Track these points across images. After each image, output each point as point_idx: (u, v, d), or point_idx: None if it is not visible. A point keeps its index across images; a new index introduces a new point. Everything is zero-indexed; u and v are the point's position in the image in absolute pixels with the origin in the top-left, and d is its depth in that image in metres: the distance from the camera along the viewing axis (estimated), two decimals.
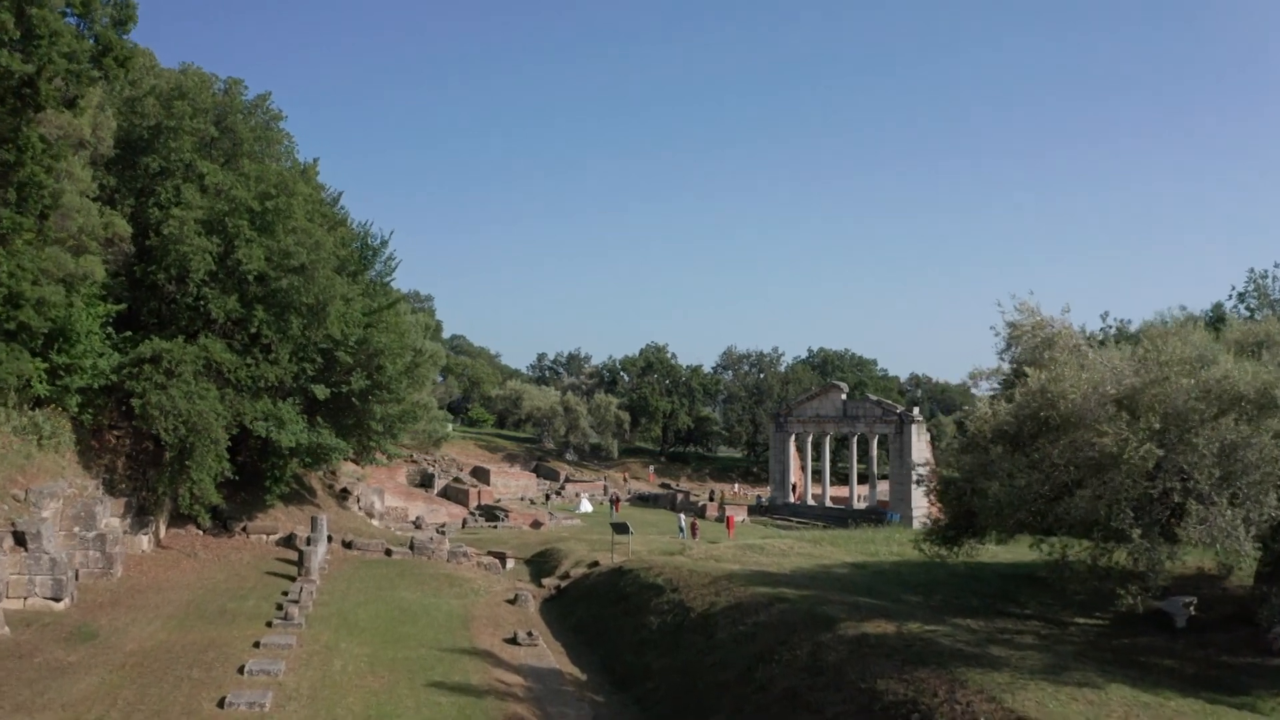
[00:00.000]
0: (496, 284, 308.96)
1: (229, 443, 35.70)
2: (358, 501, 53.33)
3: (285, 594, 31.22)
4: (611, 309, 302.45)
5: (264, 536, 39.65)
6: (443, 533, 60.59)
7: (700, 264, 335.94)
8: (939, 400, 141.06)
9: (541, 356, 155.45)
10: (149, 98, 37.57)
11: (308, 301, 35.27)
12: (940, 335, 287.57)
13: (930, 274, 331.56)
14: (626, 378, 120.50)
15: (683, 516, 59.27)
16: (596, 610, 30.75)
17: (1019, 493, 19.11)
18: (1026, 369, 21.58)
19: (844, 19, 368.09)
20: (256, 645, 24.66)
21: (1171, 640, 21.88)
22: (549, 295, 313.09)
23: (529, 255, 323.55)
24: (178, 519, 38.44)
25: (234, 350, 35.54)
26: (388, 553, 39.59)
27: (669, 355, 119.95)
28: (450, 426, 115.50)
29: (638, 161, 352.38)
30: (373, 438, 39.43)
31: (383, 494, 59.36)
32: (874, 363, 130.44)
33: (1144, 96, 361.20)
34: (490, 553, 44.35)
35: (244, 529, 39.63)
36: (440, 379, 50.68)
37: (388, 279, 42.16)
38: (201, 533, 38.81)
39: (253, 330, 35.46)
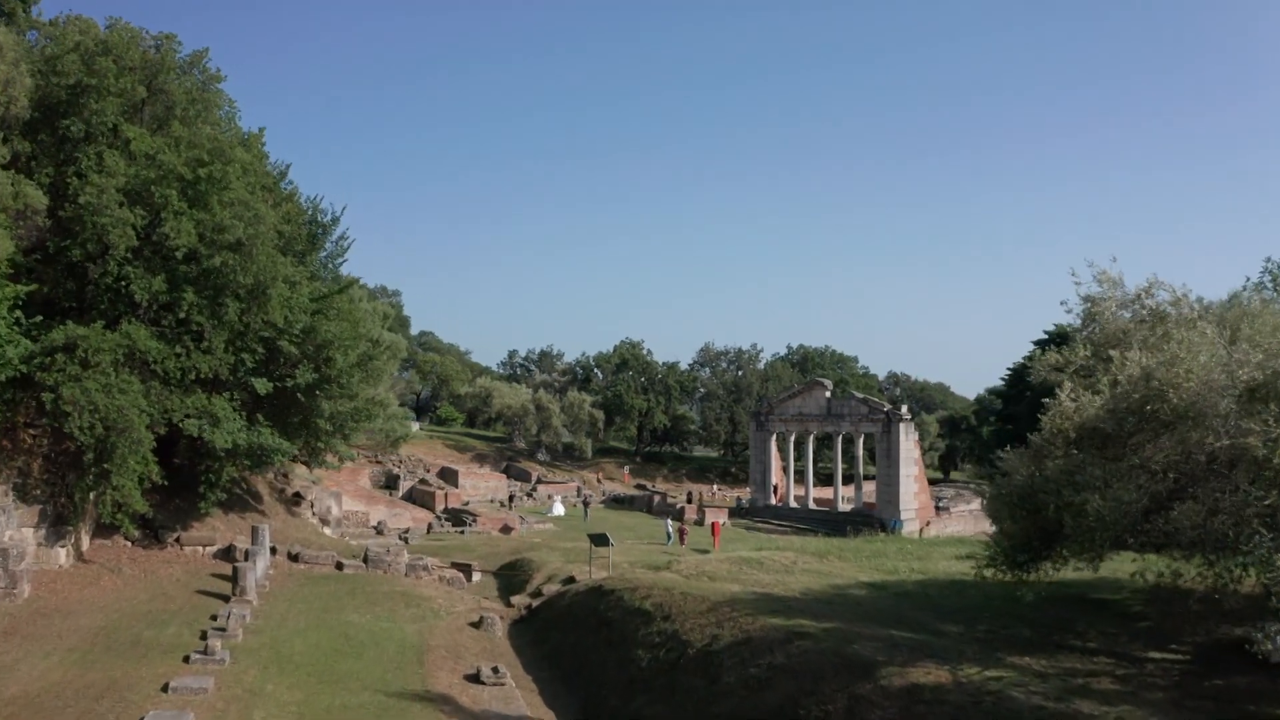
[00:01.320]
0: (466, 279, 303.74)
1: (154, 443, 31.50)
2: (311, 507, 48.90)
3: (214, 618, 27.03)
4: (585, 305, 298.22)
5: (200, 548, 35.37)
6: (405, 539, 56.36)
7: (676, 259, 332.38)
8: (918, 399, 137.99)
9: (513, 353, 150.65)
10: (71, 55, 33.18)
11: (245, 283, 31.03)
12: (917, 333, 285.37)
13: (909, 271, 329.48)
14: (600, 375, 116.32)
15: (670, 522, 55.62)
16: (574, 638, 26.65)
17: (1124, 506, 15.24)
18: (1111, 352, 17.73)
19: (817, 9, 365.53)
20: (165, 689, 20.48)
21: (1274, 680, 18.09)
22: (520, 291, 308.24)
23: (500, 250, 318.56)
24: (104, 529, 34.07)
25: (161, 338, 31.26)
26: (339, 566, 35.36)
27: (644, 352, 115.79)
28: (415, 425, 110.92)
29: (609, 156, 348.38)
30: (321, 437, 35.09)
31: (340, 498, 54.89)
32: (855, 360, 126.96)
33: (1114, 87, 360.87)
34: (454, 564, 40.22)
35: (177, 540, 35.35)
36: (402, 373, 46.39)
37: (339, 261, 37.79)
38: (130, 544, 34.56)
39: (182, 315, 31.16)
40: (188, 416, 31.65)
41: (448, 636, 26.74)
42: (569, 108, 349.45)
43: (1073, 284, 19.40)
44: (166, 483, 33.58)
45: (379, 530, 61.30)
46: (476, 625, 28.81)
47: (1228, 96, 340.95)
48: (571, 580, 32.31)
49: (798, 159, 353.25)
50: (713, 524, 47.91)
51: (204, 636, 25.13)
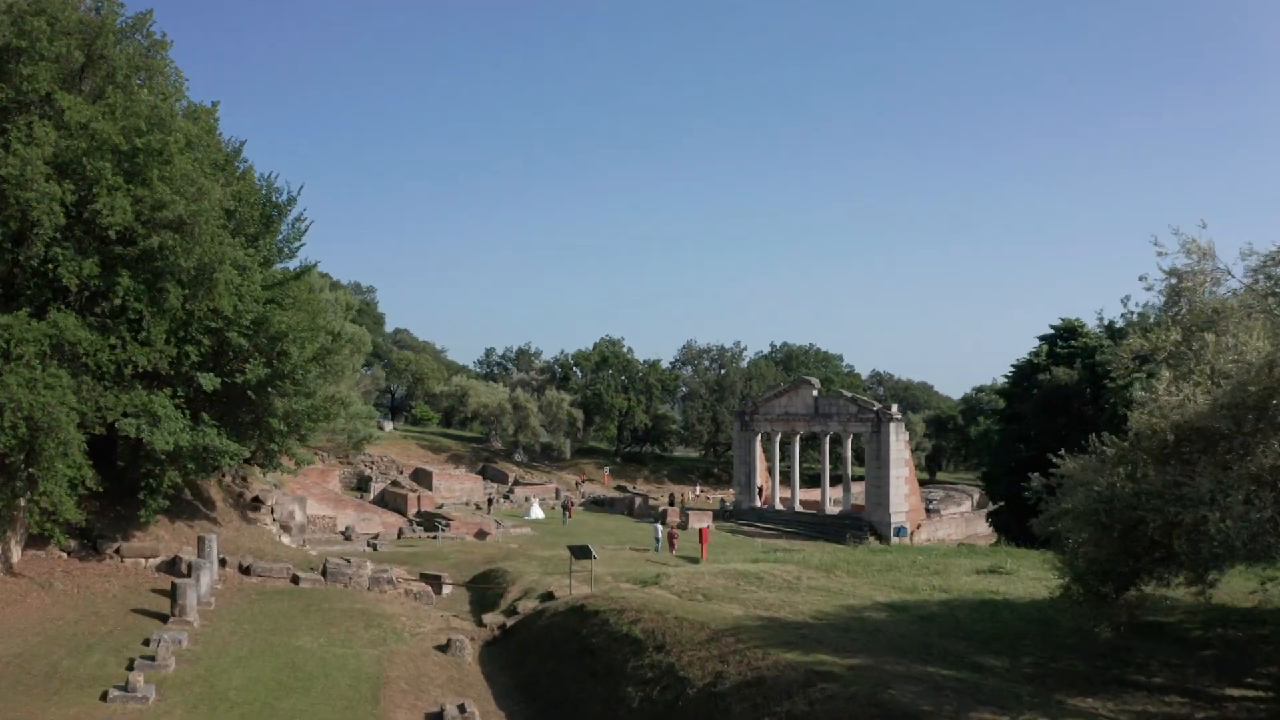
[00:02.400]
0: (443, 276, 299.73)
1: (88, 445, 28.33)
2: (272, 513, 45.61)
3: (146, 643, 23.89)
4: (564, 303, 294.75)
5: (142, 560, 32.14)
6: (374, 545, 53.16)
7: (657, 256, 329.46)
8: (902, 398, 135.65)
9: (490, 351, 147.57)
10: None
11: (188, 266, 27.84)
12: (899, 332, 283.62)
13: (890, 269, 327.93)
14: (580, 373, 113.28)
15: (659, 527, 52.87)
16: (553, 666, 23.58)
17: (1250, 526, 12.41)
18: (1206, 335, 14.88)
19: (793, 4, 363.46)
20: None
21: None
22: (498, 288, 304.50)
23: (477, 246, 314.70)
24: (37, 539, 30.85)
25: (93, 328, 28.02)
26: (294, 580, 32.22)
27: (625, 350, 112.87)
28: (389, 425, 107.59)
29: (588, 152, 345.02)
30: (275, 439, 31.86)
31: (304, 502, 51.57)
32: (839, 358, 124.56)
33: (1098, 84, 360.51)
34: (423, 576, 37.16)
35: (117, 551, 32.12)
36: (366, 369, 43.12)
37: (296, 245, 34.48)
38: (66, 556, 31.31)
39: (117, 302, 27.93)
40: (125, 415, 28.43)
41: (410, 664, 23.65)
42: (546, 103, 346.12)
43: (1155, 255, 16.56)
44: (104, 488, 30.47)
45: (347, 536, 58.10)
46: (444, 649, 25.73)
47: (1194, 97, 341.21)
48: (550, 596, 29.21)
49: (779, 156, 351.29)
50: (700, 530, 44.91)
51: (131, 666, 22.03)
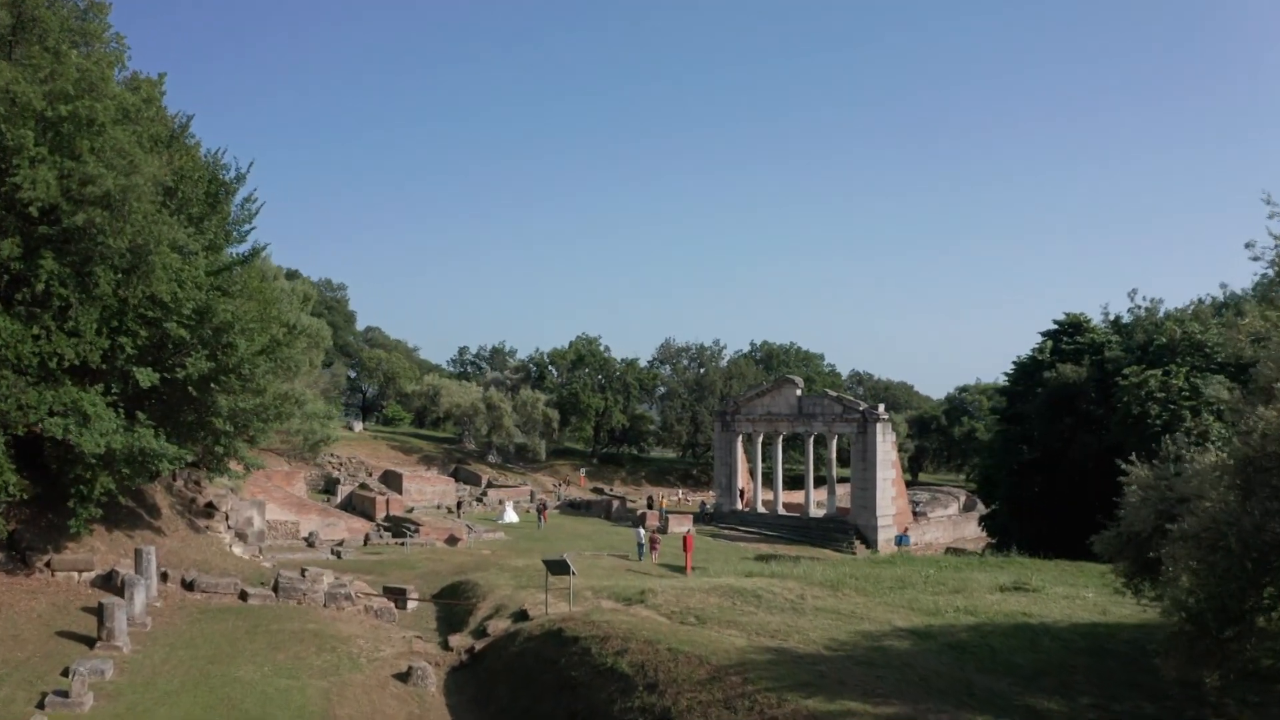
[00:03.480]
0: (417, 273, 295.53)
1: (10, 447, 25.40)
2: (226, 519, 42.47)
3: (66, 673, 20.95)
4: (540, 301, 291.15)
5: (75, 574, 29.12)
6: (338, 553, 50.19)
7: (634, 254, 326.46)
8: (882, 398, 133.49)
9: (463, 350, 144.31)
10: None
11: (120, 248, 24.88)
12: (878, 332, 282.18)
13: (870, 269, 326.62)
14: (555, 372, 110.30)
15: (641, 532, 50.47)
16: (528, 702, 20.73)
17: None
18: None
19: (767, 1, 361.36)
20: None
21: None
22: (472, 286, 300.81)
23: (451, 244, 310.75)
24: None
25: (14, 316, 25.04)
26: (243, 596, 29.26)
27: (602, 348, 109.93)
28: (359, 426, 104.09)
29: (567, 150, 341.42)
30: (220, 440, 28.84)
31: (263, 507, 48.46)
32: (821, 357, 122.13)
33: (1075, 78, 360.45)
34: (386, 589, 34.27)
35: (48, 564, 29.09)
36: (326, 367, 40.06)
37: (246, 228, 31.37)
38: None
39: (40, 288, 24.92)
40: (51, 414, 25.40)
41: (364, 700, 20.77)
42: (522, 100, 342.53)
43: (1266, 216, 13.97)
44: (34, 494, 27.58)
45: (310, 542, 55.05)
46: (404, 678, 22.83)
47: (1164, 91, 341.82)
48: (524, 616, 26.31)
49: (754, 153, 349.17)
50: (685, 537, 42.13)
51: (41, 704, 19.12)
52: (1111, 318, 44.24)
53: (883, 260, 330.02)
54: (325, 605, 29.79)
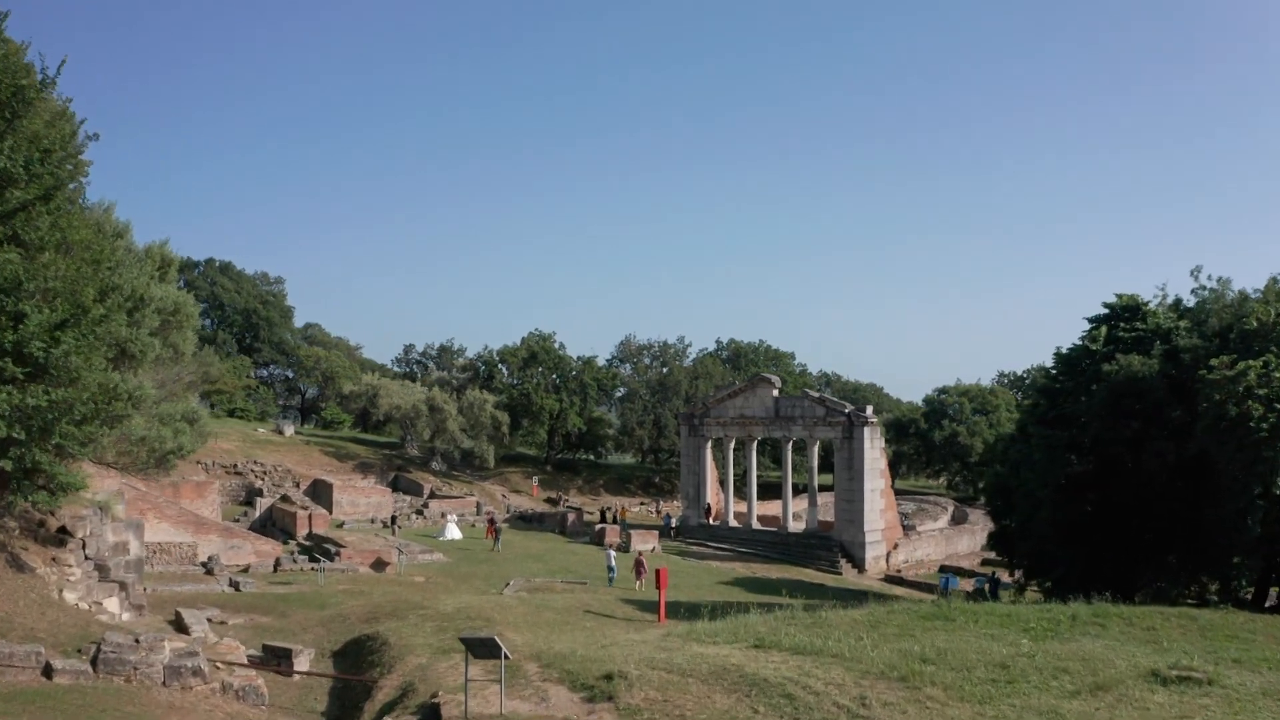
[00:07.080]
0: (361, 268, 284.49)
1: None
2: (83, 546, 33.53)
3: None
4: (491, 297, 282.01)
5: None
6: (237, 585, 41.50)
7: (591, 248, 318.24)
8: (853, 401, 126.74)
9: (409, 349, 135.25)
10: None
11: None
12: (848, 332, 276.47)
13: (839, 267, 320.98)
14: (506, 371, 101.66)
15: (612, 554, 44.07)
16: None
17: None
18: None
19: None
20: None
21: None
22: (421, 282, 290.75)
23: (398, 238, 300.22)
24: None
25: None
26: (47, 672, 20.65)
27: (556, 346, 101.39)
28: (290, 429, 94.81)
29: (522, 144, 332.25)
30: (6, 451, 20.19)
31: (141, 529, 39.45)
32: (791, 356, 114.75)
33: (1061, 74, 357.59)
34: (266, 649, 25.88)
35: None
36: (196, 353, 32.49)
37: (65, 160, 22.12)
38: None
39: None
40: None
41: None
42: (479, 95, 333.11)
43: None
44: None
45: (209, 569, 46.41)
46: None
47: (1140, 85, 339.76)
48: (435, 716, 17.73)
49: (714, 147, 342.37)
50: (658, 571, 33.79)
51: None
52: (1170, 300, 36.89)
53: (851, 259, 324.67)
54: (166, 683, 21.34)
